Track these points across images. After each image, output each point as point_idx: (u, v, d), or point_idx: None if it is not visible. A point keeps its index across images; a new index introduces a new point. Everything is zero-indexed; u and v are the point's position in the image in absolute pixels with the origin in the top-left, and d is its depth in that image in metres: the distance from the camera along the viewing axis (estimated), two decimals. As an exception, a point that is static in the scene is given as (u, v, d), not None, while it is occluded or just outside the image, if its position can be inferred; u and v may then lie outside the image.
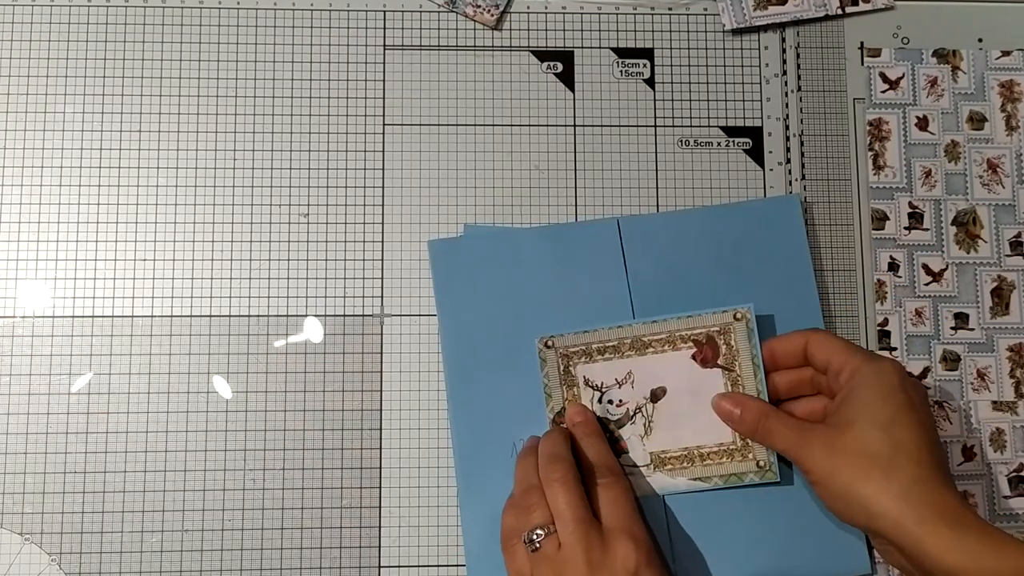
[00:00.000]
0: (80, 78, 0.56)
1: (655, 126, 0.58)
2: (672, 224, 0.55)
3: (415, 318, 0.55)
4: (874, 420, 0.46)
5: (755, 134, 0.58)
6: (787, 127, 0.58)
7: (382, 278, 0.56)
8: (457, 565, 0.53)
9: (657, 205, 0.57)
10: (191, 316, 0.55)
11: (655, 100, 0.58)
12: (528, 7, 0.59)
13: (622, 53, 0.58)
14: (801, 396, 0.52)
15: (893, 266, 0.57)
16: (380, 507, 0.53)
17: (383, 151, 0.57)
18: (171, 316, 0.55)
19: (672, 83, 0.58)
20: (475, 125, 0.57)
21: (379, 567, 0.53)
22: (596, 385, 0.53)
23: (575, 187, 0.57)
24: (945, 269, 0.56)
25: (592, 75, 0.58)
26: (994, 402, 0.55)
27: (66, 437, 0.53)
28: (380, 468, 0.54)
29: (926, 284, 0.56)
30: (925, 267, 0.57)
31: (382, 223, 0.56)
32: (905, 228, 0.57)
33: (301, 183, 0.56)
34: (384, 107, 0.57)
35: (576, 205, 0.57)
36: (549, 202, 0.57)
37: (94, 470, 0.53)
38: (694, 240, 0.55)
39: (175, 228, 0.56)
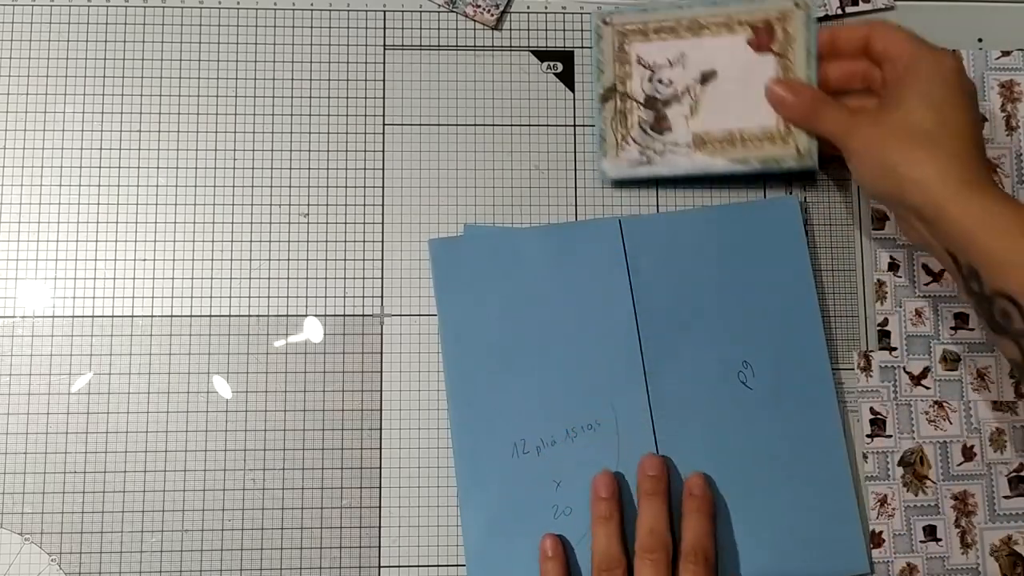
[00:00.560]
0: (80, 78, 0.56)
1: (655, 126, 0.58)
2: (673, 224, 0.56)
3: (415, 318, 0.55)
4: (925, 98, 0.48)
5: (755, 134, 0.58)
6: (787, 127, 0.58)
7: (382, 278, 0.56)
8: (457, 565, 0.53)
9: (657, 205, 0.57)
10: (191, 316, 0.55)
11: (655, 100, 0.58)
12: (528, 7, 0.59)
13: (622, 53, 0.58)
14: (851, 92, 0.53)
15: (893, 266, 0.57)
16: (380, 507, 0.53)
17: (383, 151, 0.57)
18: (171, 316, 0.55)
19: (672, 83, 0.58)
20: (475, 125, 0.57)
21: (379, 567, 0.53)
22: (648, 64, 0.54)
23: (575, 187, 0.57)
24: (945, 269, 0.56)
25: (592, 75, 0.58)
26: (994, 402, 0.55)
27: (66, 437, 0.53)
28: (380, 468, 0.54)
29: (926, 284, 0.56)
30: (925, 267, 0.57)
31: (382, 223, 0.56)
32: (905, 228, 0.57)
33: (301, 183, 0.56)
34: (384, 107, 0.57)
35: (576, 205, 0.57)
36: (549, 202, 0.57)
37: (94, 470, 0.53)
38: (695, 240, 0.55)
39: (175, 228, 0.56)
